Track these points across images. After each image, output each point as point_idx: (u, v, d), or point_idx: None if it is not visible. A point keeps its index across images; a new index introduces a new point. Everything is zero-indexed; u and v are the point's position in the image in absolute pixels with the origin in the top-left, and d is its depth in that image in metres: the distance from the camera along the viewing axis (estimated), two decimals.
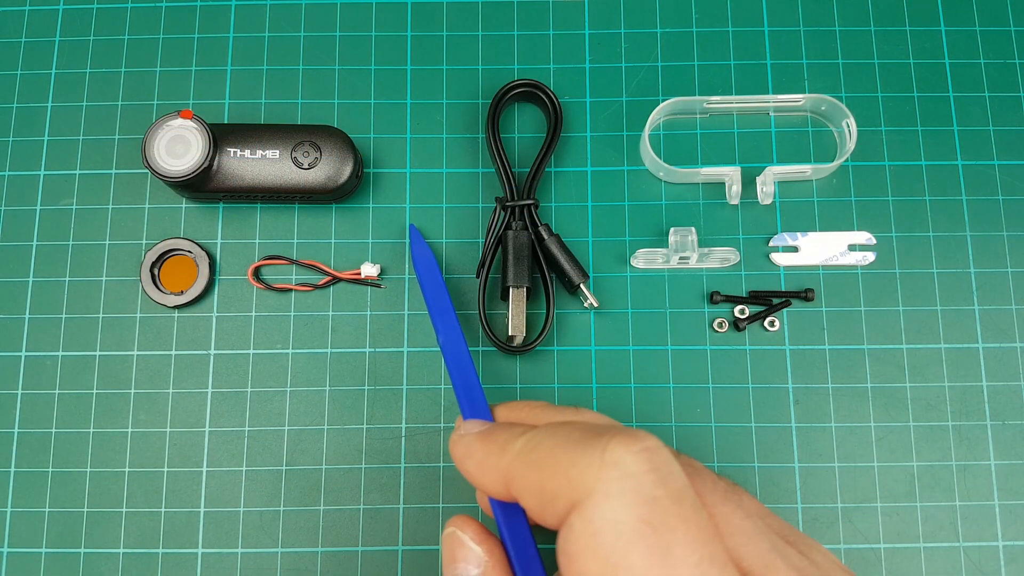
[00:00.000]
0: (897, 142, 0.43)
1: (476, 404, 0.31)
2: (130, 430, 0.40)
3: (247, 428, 0.40)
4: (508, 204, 0.41)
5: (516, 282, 0.39)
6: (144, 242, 0.42)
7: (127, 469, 0.40)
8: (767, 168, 0.42)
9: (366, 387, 0.41)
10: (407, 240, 0.42)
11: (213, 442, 0.40)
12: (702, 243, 0.42)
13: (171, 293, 0.41)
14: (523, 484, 0.23)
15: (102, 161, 0.43)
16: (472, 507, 0.39)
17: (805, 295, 0.41)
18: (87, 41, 0.45)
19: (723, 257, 0.41)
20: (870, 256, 0.42)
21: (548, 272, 0.40)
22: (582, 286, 0.40)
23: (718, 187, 0.43)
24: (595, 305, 0.40)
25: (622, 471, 0.20)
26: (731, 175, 0.42)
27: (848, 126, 0.42)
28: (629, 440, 0.21)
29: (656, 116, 0.43)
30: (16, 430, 0.40)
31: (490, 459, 0.25)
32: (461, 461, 0.26)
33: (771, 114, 0.44)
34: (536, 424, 0.27)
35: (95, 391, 0.41)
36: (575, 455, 0.21)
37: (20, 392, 0.41)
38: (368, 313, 0.41)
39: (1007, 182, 0.43)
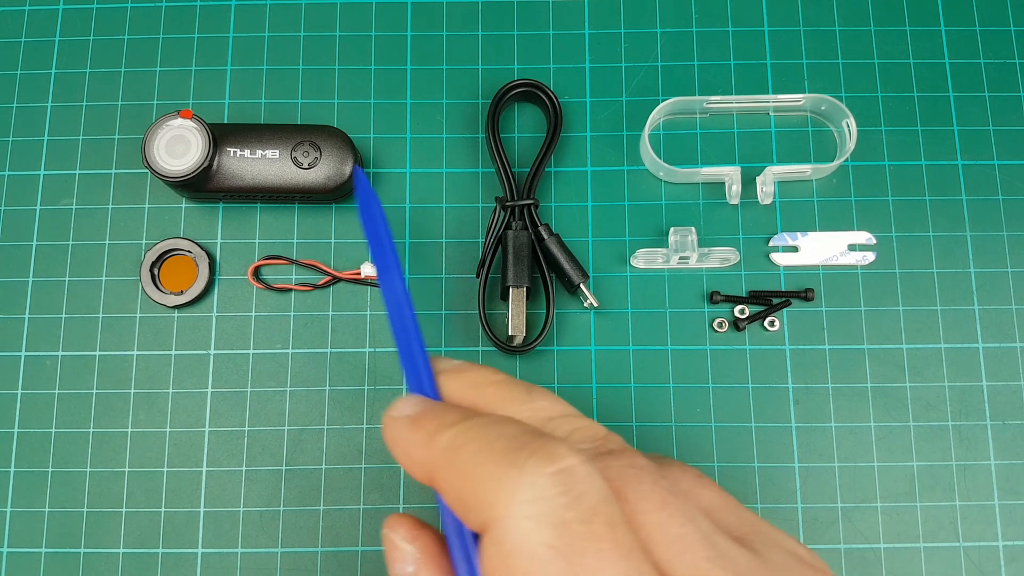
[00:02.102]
0: (897, 142, 0.43)
1: (419, 375, 0.28)
2: (130, 430, 0.40)
3: (247, 428, 0.40)
4: (508, 204, 0.41)
5: (516, 282, 0.39)
6: (144, 242, 0.42)
7: (127, 469, 0.40)
8: (767, 168, 0.42)
9: (366, 387, 0.41)
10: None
11: (213, 442, 0.40)
12: (702, 243, 0.42)
13: (171, 293, 0.41)
14: (443, 486, 0.23)
15: (102, 161, 0.43)
16: None
17: (805, 295, 0.41)
18: (87, 41, 0.45)
19: (723, 257, 0.41)
20: (870, 256, 0.42)
21: (548, 272, 0.40)
22: (582, 286, 0.40)
23: (718, 187, 0.43)
24: (595, 305, 0.40)
25: (532, 494, 0.20)
26: (731, 175, 0.42)
27: (848, 126, 0.42)
28: (544, 461, 0.20)
29: (656, 116, 0.43)
30: (16, 430, 0.40)
31: (416, 450, 0.24)
32: (391, 447, 0.25)
33: (771, 114, 0.44)
34: (481, 405, 0.26)
35: (95, 391, 0.41)
36: (491, 470, 0.21)
37: (20, 392, 0.41)
38: (368, 313, 0.41)
39: (1007, 182, 0.43)
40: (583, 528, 0.19)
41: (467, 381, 0.27)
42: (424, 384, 0.28)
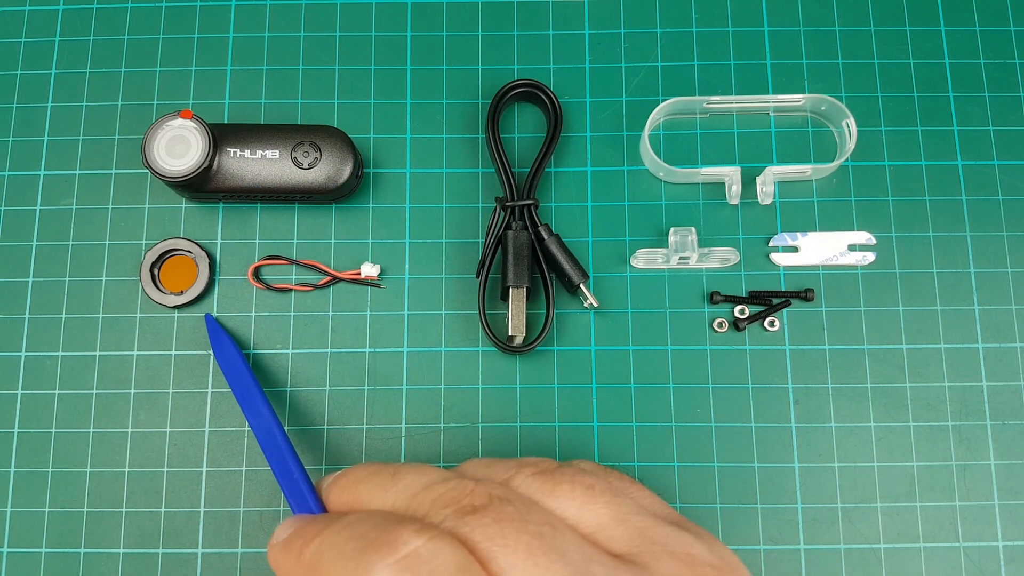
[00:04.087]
0: (897, 142, 0.43)
1: (300, 495, 0.30)
2: (130, 430, 0.40)
3: (247, 428, 0.40)
4: (508, 204, 0.41)
5: (516, 282, 0.39)
6: (144, 242, 0.42)
7: (127, 469, 0.40)
8: (767, 168, 0.42)
9: (366, 387, 0.41)
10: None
11: (213, 442, 0.40)
12: (702, 243, 0.42)
13: (171, 293, 0.41)
14: None
15: (102, 161, 0.43)
16: None
17: (805, 295, 0.41)
18: (87, 41, 0.45)
19: (723, 257, 0.41)
20: (870, 256, 0.42)
21: (548, 272, 0.40)
22: (582, 286, 0.40)
23: (718, 187, 0.43)
24: (595, 305, 0.40)
25: None
26: (731, 175, 0.42)
27: (848, 126, 0.42)
28: (387, 553, 0.22)
29: (656, 116, 0.43)
30: (16, 430, 0.40)
31: (291, 571, 0.25)
32: (276, 573, 0.27)
33: (771, 114, 0.44)
34: (357, 505, 0.27)
35: (95, 391, 0.41)
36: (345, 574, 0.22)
37: (20, 392, 0.41)
38: (368, 313, 0.41)
39: (1007, 182, 0.43)
40: None
41: (343, 487, 0.28)
42: (308, 501, 0.29)
